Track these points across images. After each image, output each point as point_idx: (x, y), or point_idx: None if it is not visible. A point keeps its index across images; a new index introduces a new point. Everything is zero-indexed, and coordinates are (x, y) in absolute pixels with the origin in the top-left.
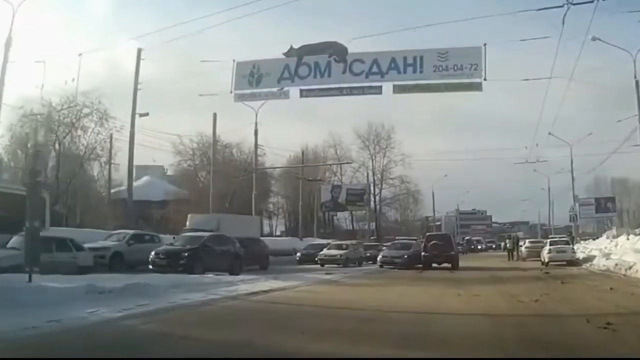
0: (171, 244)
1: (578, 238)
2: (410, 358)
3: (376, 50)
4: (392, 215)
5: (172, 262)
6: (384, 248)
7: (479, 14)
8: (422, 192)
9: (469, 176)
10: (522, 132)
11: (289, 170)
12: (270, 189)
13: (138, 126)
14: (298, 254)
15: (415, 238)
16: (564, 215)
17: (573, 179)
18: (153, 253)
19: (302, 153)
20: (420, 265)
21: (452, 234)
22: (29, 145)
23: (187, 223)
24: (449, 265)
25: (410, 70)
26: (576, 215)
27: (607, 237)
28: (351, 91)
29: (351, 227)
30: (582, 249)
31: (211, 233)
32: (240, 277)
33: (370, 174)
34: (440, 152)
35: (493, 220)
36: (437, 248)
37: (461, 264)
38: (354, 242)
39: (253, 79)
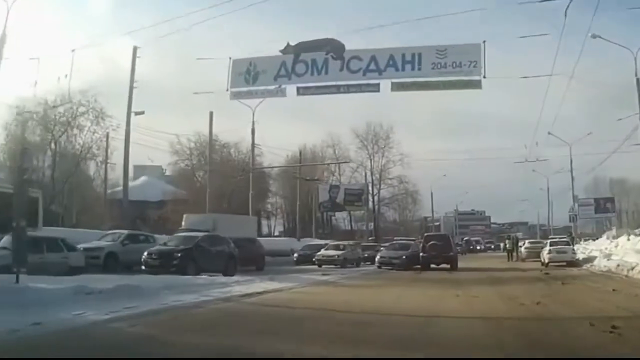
0: (165, 244)
1: (578, 239)
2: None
3: (374, 47)
4: (391, 215)
5: (164, 263)
6: (382, 249)
7: (479, 13)
8: (420, 192)
9: (467, 176)
10: (521, 132)
11: (287, 170)
12: (268, 189)
13: (135, 125)
14: (295, 255)
15: (413, 238)
16: (562, 215)
17: (573, 178)
18: (146, 253)
19: (300, 153)
20: (419, 266)
21: (450, 234)
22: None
23: (183, 223)
24: (448, 266)
25: (408, 67)
26: (576, 215)
27: (607, 238)
28: (348, 89)
29: (349, 228)
30: (582, 249)
31: (205, 233)
32: (235, 278)
33: (369, 173)
34: (439, 152)
35: (492, 220)
36: (436, 249)
37: (460, 264)
38: (351, 242)
39: (249, 76)
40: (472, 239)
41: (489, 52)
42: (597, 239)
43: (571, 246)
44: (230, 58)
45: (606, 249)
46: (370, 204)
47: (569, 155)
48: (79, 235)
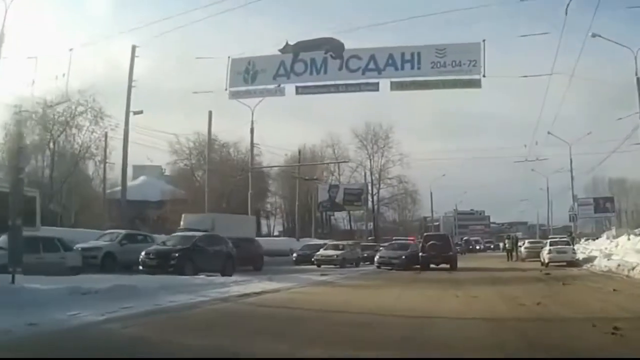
0: (163, 243)
1: (578, 238)
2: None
3: (373, 46)
4: (390, 215)
5: (162, 263)
6: (381, 248)
7: (479, 13)
8: (420, 192)
9: (467, 176)
10: (521, 132)
11: (286, 170)
12: (267, 188)
13: (133, 125)
14: (294, 255)
15: (412, 238)
16: (562, 215)
17: (572, 178)
18: (143, 253)
19: (299, 152)
20: (418, 266)
21: (450, 234)
22: (28, 143)
23: (182, 223)
24: (447, 266)
25: (407, 66)
26: (576, 215)
27: (607, 238)
28: (347, 88)
29: (349, 228)
30: (582, 249)
31: (203, 233)
32: (233, 278)
33: (368, 173)
34: (438, 151)
35: (491, 220)
36: (435, 248)
37: (459, 264)
38: (351, 242)
39: (248, 75)
40: (471, 238)
41: (489, 52)
42: (597, 238)
43: (571, 246)
44: (229, 57)
45: (606, 248)
46: (370, 203)
47: (568, 155)
48: (77, 235)
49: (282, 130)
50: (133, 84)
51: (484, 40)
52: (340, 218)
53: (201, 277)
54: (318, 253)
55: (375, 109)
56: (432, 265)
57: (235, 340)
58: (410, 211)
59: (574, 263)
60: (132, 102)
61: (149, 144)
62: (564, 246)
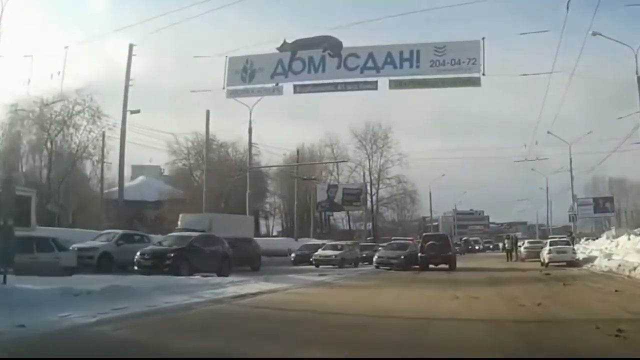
0: (160, 243)
1: (577, 238)
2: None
3: (371, 44)
4: (389, 215)
5: (157, 263)
6: (380, 248)
7: (478, 11)
8: (419, 192)
9: (466, 176)
10: (521, 132)
11: (285, 169)
12: (266, 188)
13: (132, 124)
14: (293, 255)
15: (411, 238)
16: (561, 215)
17: (572, 178)
18: (138, 254)
19: (298, 152)
20: (417, 266)
21: (449, 234)
22: (25, 143)
23: (179, 223)
24: (447, 266)
25: (406, 65)
26: (575, 215)
27: (607, 238)
28: (346, 87)
29: (348, 228)
30: (582, 249)
31: (199, 233)
32: (229, 278)
33: (367, 173)
34: (437, 151)
35: (490, 220)
36: (434, 249)
37: (459, 264)
38: (349, 242)
39: (246, 74)
40: (470, 238)
41: (488, 50)
42: (597, 238)
43: (571, 246)
44: (226, 56)
45: (606, 248)
46: (369, 203)
47: (568, 154)
48: (75, 235)
49: (280, 129)
50: (130, 82)
51: (483, 38)
52: (339, 218)
53: (197, 278)
54: (316, 253)
55: (375, 109)
56: (431, 266)
57: (228, 342)
58: (410, 211)
59: (574, 263)
60: (129, 101)
61: (148, 144)
62: (564, 246)
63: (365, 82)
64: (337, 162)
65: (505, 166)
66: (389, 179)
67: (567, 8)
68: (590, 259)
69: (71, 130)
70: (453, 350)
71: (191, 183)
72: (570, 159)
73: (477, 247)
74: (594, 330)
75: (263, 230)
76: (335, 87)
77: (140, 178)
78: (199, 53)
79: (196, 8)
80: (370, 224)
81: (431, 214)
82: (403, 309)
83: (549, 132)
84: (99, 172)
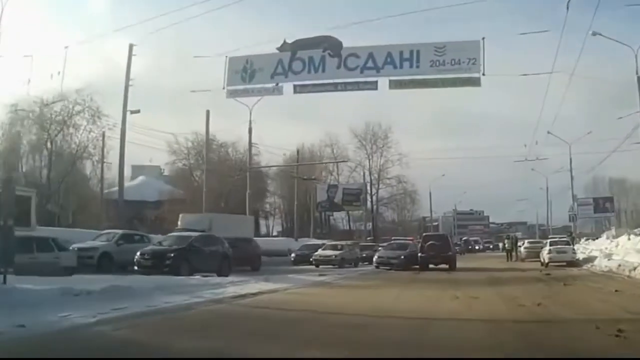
0: (160, 243)
1: (577, 238)
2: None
3: (371, 44)
4: (389, 215)
5: (157, 263)
6: (380, 248)
7: (478, 13)
8: (419, 192)
9: (466, 176)
10: (521, 132)
11: (285, 169)
12: (266, 188)
13: (132, 124)
14: (293, 255)
15: (411, 238)
16: (561, 215)
17: (572, 178)
18: (138, 254)
19: (297, 152)
20: (417, 266)
21: (449, 234)
22: (25, 143)
23: (179, 223)
24: (447, 266)
25: (406, 65)
26: (575, 215)
27: (607, 238)
28: (346, 87)
29: (348, 228)
30: (582, 249)
31: (199, 233)
32: (229, 278)
33: (367, 173)
34: (437, 151)
35: (490, 220)
36: (434, 249)
37: (459, 264)
38: (349, 242)
39: (246, 74)
40: (470, 238)
41: (488, 52)
42: (597, 238)
43: (571, 246)
44: (226, 56)
45: (606, 248)
46: (369, 203)
47: (568, 154)
48: (75, 235)
49: (280, 129)
50: (130, 82)
51: (483, 38)
52: (339, 218)
53: (197, 278)
54: (316, 253)
55: (375, 109)
56: (431, 266)
57: (228, 342)
58: (410, 211)
59: (574, 263)
60: (129, 101)
61: (148, 144)
62: (564, 246)
63: (365, 82)
64: (337, 162)
65: (505, 166)
66: (389, 179)
67: (567, 8)
68: (590, 259)
69: (71, 130)
70: (453, 350)
71: (191, 183)
72: (570, 159)
73: (477, 247)
74: (594, 331)
75: (263, 230)
76: (335, 87)
77: (140, 178)
78: (199, 53)
79: (196, 8)
80: (370, 224)
81: (431, 214)
82: (403, 309)
83: (549, 132)
84: (99, 172)
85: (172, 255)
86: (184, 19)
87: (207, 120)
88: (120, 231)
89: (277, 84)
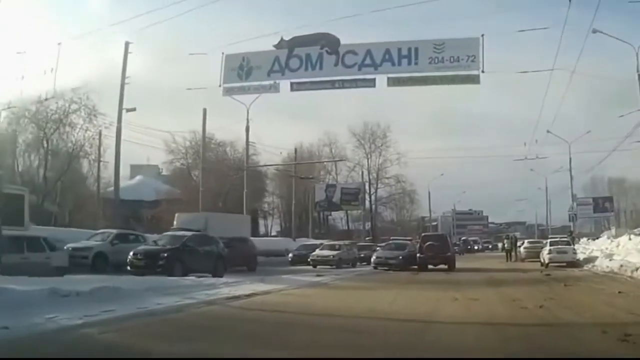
0: (155, 242)
1: (577, 238)
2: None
3: (369, 41)
4: (388, 215)
5: (150, 263)
6: (378, 248)
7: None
8: (418, 191)
9: (465, 176)
10: (520, 132)
11: (283, 169)
12: (265, 188)
13: (128, 123)
14: (290, 255)
15: (410, 238)
16: (560, 215)
17: (572, 177)
18: (131, 254)
19: (295, 151)
20: (416, 267)
21: (448, 234)
22: (20, 141)
23: (175, 222)
24: (445, 267)
25: (405, 62)
26: (575, 214)
27: (608, 238)
28: (343, 84)
29: (346, 227)
30: (582, 249)
31: (193, 232)
32: (224, 279)
33: (366, 173)
34: (436, 150)
35: (490, 220)
36: (433, 249)
37: (458, 264)
38: (347, 242)
39: (242, 72)
40: (469, 238)
41: (488, 51)
42: (597, 238)
43: (572, 246)
44: (222, 53)
45: (607, 249)
46: (367, 203)
47: (568, 153)
48: (71, 235)
49: (279, 129)
50: (127, 80)
51: (482, 35)
52: (338, 218)
53: (190, 278)
54: (314, 253)
55: (373, 108)
56: (429, 266)
57: (217, 346)
58: (408, 211)
59: (574, 263)
60: (126, 99)
61: (147, 143)
62: (564, 246)
63: (363, 80)
64: (336, 161)
65: (504, 166)
66: (387, 178)
67: (570, 1)
68: (590, 260)
69: (67, 128)
70: (452, 355)
71: (189, 182)
72: (570, 158)
73: (476, 247)
74: (601, 335)
75: (262, 230)
76: (332, 84)
77: (138, 177)
78: (196, 51)
79: (194, 2)
80: (369, 223)
81: (430, 214)
82: (399, 311)
83: (548, 132)
84: (96, 171)
85: (166, 255)
86: (177, 13)
87: (204, 118)
88: (115, 231)
89: (274, 82)
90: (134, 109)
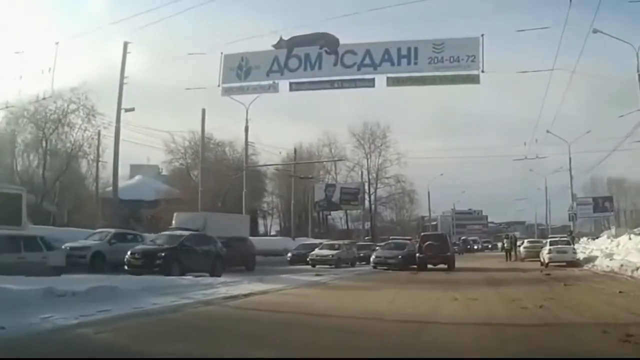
0: (152, 242)
1: (577, 238)
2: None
3: (369, 41)
4: (388, 215)
5: (147, 263)
6: (377, 248)
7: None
8: (417, 191)
9: (465, 176)
10: (520, 132)
11: (283, 169)
12: (264, 188)
13: (127, 123)
14: (289, 254)
15: (409, 238)
16: (560, 214)
17: (571, 177)
18: (129, 253)
19: (295, 151)
20: (415, 266)
21: (448, 233)
22: (19, 141)
23: (173, 222)
24: (445, 266)
25: (404, 62)
26: (575, 214)
27: (608, 237)
28: (342, 84)
29: (346, 227)
30: (582, 249)
31: (190, 232)
32: (222, 279)
33: (365, 172)
34: (436, 150)
35: (489, 220)
36: (433, 248)
37: (457, 264)
38: (346, 242)
39: (241, 72)
40: (469, 238)
41: (488, 51)
42: (597, 238)
43: (572, 246)
44: (221, 53)
45: (607, 248)
46: (367, 203)
47: (567, 153)
48: (70, 234)
49: (279, 129)
50: (125, 80)
51: (482, 35)
52: (338, 218)
53: (188, 278)
54: (313, 253)
55: (373, 108)
56: (429, 266)
57: (212, 346)
58: (408, 210)
59: (574, 263)
60: (125, 99)
61: (146, 142)
62: (564, 246)
63: (363, 80)
64: (335, 161)
65: (504, 166)
66: (387, 178)
67: (570, 1)
68: (590, 259)
69: (66, 128)
70: (449, 356)
71: (189, 182)
72: (570, 158)
73: (475, 247)
74: (602, 335)
75: (261, 229)
76: (331, 84)
77: (137, 177)
78: (195, 51)
79: (193, 1)
80: (369, 223)
81: (430, 214)
82: (398, 311)
83: (548, 131)
84: (95, 171)
85: (163, 254)
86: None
87: (203, 118)
88: (112, 230)
89: (273, 82)
90: (132, 109)
